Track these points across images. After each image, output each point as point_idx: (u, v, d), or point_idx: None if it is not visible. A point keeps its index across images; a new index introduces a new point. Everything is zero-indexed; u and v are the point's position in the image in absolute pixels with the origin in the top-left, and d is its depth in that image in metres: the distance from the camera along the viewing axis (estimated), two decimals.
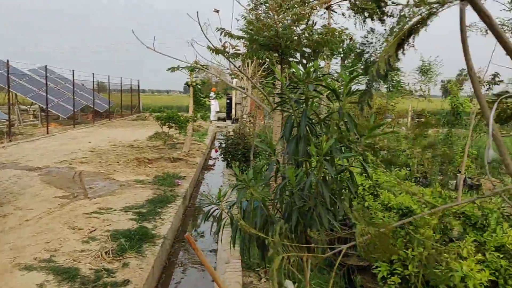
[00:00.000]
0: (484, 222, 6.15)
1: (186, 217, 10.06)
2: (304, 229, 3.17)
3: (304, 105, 3.41)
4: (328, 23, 16.77)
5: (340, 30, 5.86)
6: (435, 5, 1.80)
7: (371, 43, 1.93)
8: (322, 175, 3.37)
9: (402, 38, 1.86)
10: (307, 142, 3.33)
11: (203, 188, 13.10)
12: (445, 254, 4.72)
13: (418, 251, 4.35)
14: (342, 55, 16.61)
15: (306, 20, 7.07)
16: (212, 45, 5.97)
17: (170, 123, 14.03)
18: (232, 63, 6.51)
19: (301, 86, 3.37)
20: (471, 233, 5.84)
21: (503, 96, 1.77)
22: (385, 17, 2.11)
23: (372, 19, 2.33)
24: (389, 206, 6.42)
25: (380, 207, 6.58)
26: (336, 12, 17.36)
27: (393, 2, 1.86)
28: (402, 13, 1.74)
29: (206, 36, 5.53)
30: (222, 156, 13.87)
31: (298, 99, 3.45)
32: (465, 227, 6.25)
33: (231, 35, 6.10)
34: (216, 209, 3.67)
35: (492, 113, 1.49)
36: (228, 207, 3.63)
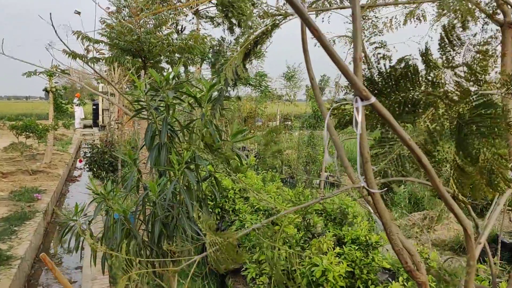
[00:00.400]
0: (342, 217, 6.67)
1: (48, 234, 9.27)
2: (168, 239, 3.10)
3: (165, 112, 3.35)
4: (197, 29, 16.82)
5: (204, 36, 5.89)
6: (278, 18, 1.87)
7: (222, 52, 1.95)
8: (186, 183, 3.34)
9: (249, 48, 1.90)
10: (169, 150, 3.28)
11: (67, 201, 12.20)
12: (308, 251, 5.01)
13: (263, 254, 4.55)
14: (211, 61, 16.77)
15: (174, 25, 6.97)
16: (69, 48, 5.59)
17: (28, 133, 12.83)
18: (92, 68, 6.18)
19: (161, 92, 3.31)
20: (331, 228, 6.29)
21: (339, 104, 1.91)
22: (234, 27, 2.15)
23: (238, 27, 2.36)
24: (257, 208, 6.63)
25: (249, 209, 6.77)
26: (204, 18, 17.44)
27: (239, 13, 1.90)
28: (247, 24, 1.78)
29: (60, 39, 5.15)
30: (88, 166, 13.05)
31: (159, 106, 3.38)
32: (327, 222, 6.71)
33: (88, 39, 5.76)
34: (74, 224, 3.43)
35: (326, 119, 1.60)
36: (87, 222, 3.41)
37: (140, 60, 5.84)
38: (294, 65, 19.96)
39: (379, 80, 2.02)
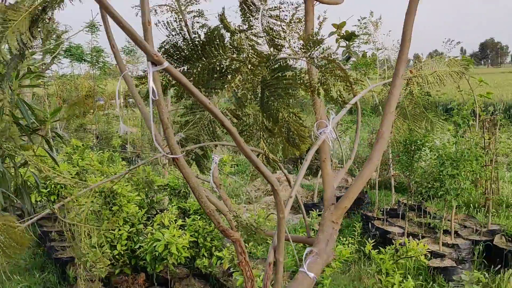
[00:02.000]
0: (186, 190, 6.72)
1: None
2: None
3: None
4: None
5: None
6: None
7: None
8: None
9: (37, 13, 1.74)
10: None
11: None
12: (149, 227, 4.96)
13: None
14: None
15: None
16: None
17: None
18: None
19: None
20: (175, 202, 6.30)
21: (140, 70, 1.86)
22: None
23: None
24: (96, 191, 6.32)
25: (88, 192, 6.41)
26: None
27: None
28: None
29: None
30: None
31: None
32: (171, 197, 6.71)
33: None
34: None
35: (118, 86, 1.54)
36: None
37: None
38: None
39: (186, 47, 2.02)
